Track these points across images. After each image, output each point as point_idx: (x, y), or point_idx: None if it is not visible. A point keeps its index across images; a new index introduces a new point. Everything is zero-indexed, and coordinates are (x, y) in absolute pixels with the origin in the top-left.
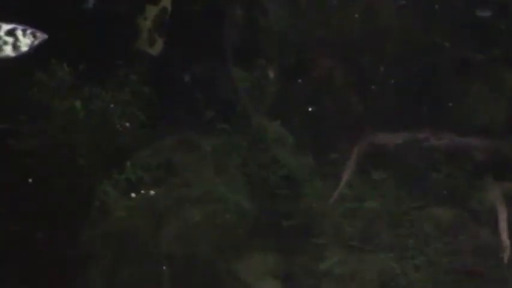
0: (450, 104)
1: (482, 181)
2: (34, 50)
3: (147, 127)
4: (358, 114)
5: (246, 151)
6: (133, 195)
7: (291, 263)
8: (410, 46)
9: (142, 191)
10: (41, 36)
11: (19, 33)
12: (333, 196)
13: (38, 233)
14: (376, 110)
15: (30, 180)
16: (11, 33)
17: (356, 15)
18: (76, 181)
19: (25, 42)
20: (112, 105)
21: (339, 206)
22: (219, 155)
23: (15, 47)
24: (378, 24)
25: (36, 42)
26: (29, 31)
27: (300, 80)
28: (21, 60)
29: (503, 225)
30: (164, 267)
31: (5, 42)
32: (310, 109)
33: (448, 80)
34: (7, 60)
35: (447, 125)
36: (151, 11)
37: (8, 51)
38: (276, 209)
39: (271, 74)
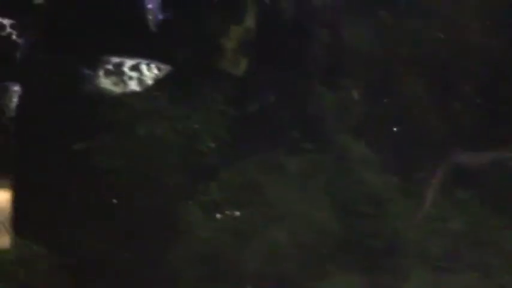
0: None
1: None
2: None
3: (232, 147)
4: (443, 133)
5: (331, 171)
6: (218, 216)
7: (376, 284)
8: (496, 64)
9: (227, 212)
10: (165, 68)
11: (143, 67)
12: (417, 215)
13: (124, 253)
14: (462, 129)
15: (115, 200)
16: (135, 68)
17: (441, 34)
18: (162, 201)
19: (150, 76)
20: (197, 126)
21: (424, 225)
22: (304, 175)
23: (140, 81)
24: (463, 42)
25: (160, 76)
26: (153, 65)
27: (385, 100)
28: None
29: None
30: None
31: (130, 78)
32: (395, 128)
33: None
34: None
35: None
36: (236, 32)
37: (133, 86)
38: (360, 229)
39: (356, 94)
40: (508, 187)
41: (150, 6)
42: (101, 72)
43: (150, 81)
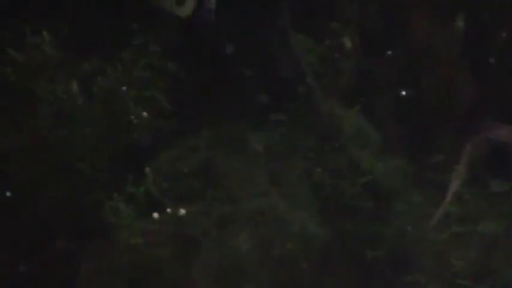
0: None
1: None
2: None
3: (173, 118)
4: (469, 98)
5: (312, 152)
6: (155, 215)
7: None
8: None
9: (168, 209)
10: None
11: None
12: (435, 215)
13: (22, 266)
14: (496, 93)
15: (7, 193)
16: None
17: None
18: (74, 194)
19: None
20: (123, 87)
21: (444, 229)
22: (275, 157)
23: None
24: None
25: None
26: None
27: (388, 51)
28: None
29: None
30: None
31: None
32: (402, 92)
33: None
34: None
35: None
36: None
37: None
38: (356, 234)
39: (347, 43)
40: None
41: None
42: None
43: None
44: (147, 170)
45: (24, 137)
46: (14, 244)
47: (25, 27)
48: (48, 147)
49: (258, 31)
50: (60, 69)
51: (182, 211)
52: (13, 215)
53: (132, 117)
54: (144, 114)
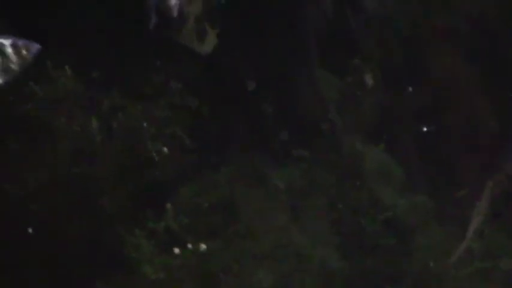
0: None
1: None
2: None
3: (194, 153)
4: (491, 135)
5: (333, 188)
6: (176, 250)
7: None
8: None
9: (189, 245)
10: (35, 49)
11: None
12: (457, 251)
13: None
14: None
15: (30, 229)
16: None
17: None
18: (95, 230)
19: (16, 60)
20: (144, 124)
21: (465, 265)
22: (296, 193)
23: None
24: None
25: (30, 58)
26: (20, 43)
27: (410, 88)
28: None
29: None
30: None
31: None
32: (424, 128)
33: None
34: None
35: None
36: None
37: None
38: (377, 270)
39: (369, 80)
40: None
41: None
42: None
43: (16, 68)
44: (168, 205)
45: (45, 173)
46: (36, 281)
47: (46, 60)
48: (68, 184)
49: (280, 67)
50: (81, 104)
51: (203, 246)
52: (35, 252)
53: (153, 153)
54: (165, 150)
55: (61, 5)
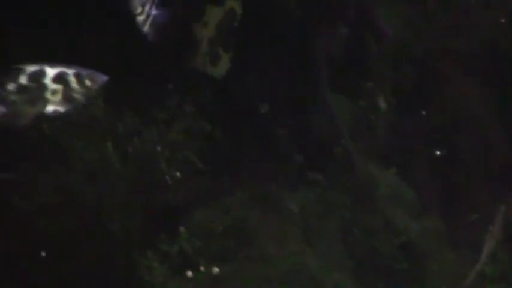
0: None
1: None
2: None
3: (207, 177)
4: (504, 158)
5: (347, 211)
6: (189, 273)
7: None
8: None
9: (202, 268)
10: (102, 79)
11: (71, 78)
12: (470, 275)
13: None
14: None
15: (43, 253)
16: (59, 79)
17: (503, 18)
18: (109, 252)
19: (80, 91)
20: (158, 148)
21: None
22: (310, 217)
23: (66, 98)
24: None
25: (95, 89)
26: (84, 73)
27: (423, 111)
28: None
29: None
30: None
31: (54, 92)
32: (438, 152)
33: None
34: None
35: None
36: (214, 15)
37: (58, 103)
38: None
39: (382, 103)
40: None
41: None
42: (11, 87)
43: (80, 97)
44: (181, 229)
45: (59, 194)
46: None
47: None
48: (82, 206)
49: (294, 90)
50: (96, 128)
51: (216, 270)
52: (47, 275)
53: (167, 177)
54: (178, 174)
55: (78, 29)
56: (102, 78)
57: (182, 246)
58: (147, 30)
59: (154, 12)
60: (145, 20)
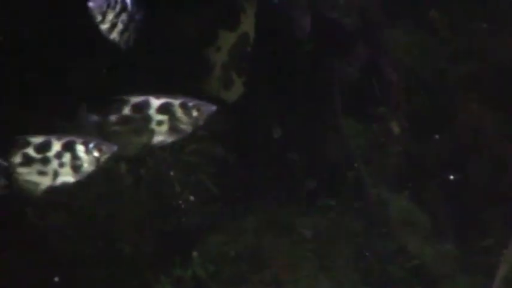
0: None
1: None
2: None
3: (221, 201)
4: None
5: (360, 236)
6: None
7: None
8: None
9: None
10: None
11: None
12: None
13: None
14: None
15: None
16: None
17: None
18: (120, 276)
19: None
20: (171, 171)
21: None
22: (323, 242)
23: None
24: None
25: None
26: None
27: (436, 136)
28: None
29: None
30: None
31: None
32: (451, 176)
33: None
34: None
35: None
36: (227, 39)
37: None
38: None
39: (395, 128)
40: None
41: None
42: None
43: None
44: (194, 253)
45: (71, 216)
46: None
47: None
48: (94, 228)
49: (307, 115)
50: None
51: None
52: None
53: (180, 201)
54: (191, 198)
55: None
56: (210, 108)
57: (195, 270)
58: (116, 38)
59: (124, 18)
60: (111, 29)
